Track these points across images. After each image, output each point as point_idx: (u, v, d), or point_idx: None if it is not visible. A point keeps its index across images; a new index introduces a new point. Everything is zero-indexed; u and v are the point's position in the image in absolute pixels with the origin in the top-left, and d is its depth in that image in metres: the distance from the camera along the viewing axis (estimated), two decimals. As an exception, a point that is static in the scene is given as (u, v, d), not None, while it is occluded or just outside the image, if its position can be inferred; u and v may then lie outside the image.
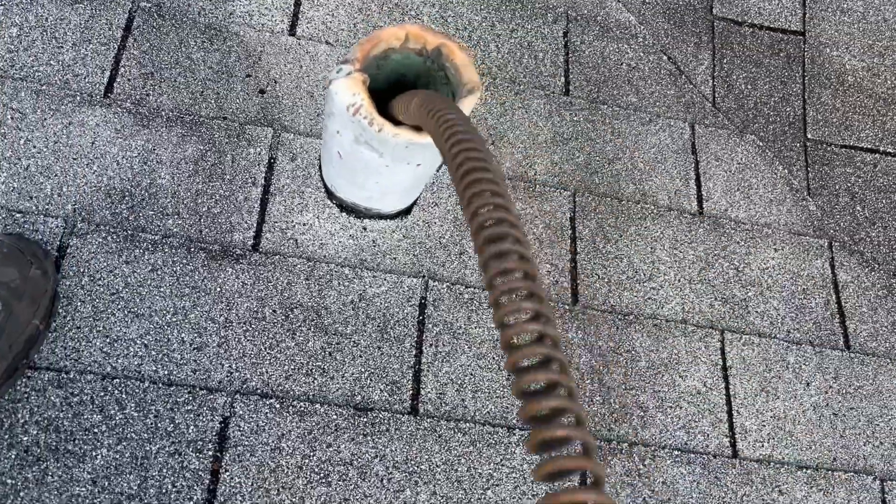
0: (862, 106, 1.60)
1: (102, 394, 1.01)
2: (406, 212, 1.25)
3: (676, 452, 1.19)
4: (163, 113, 1.21)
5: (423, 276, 1.21)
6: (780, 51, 1.63)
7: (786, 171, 1.51)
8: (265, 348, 1.09)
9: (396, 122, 0.95)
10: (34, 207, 1.09)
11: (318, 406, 1.07)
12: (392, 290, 1.19)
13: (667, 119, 1.49)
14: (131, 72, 1.23)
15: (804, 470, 1.23)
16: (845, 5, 1.68)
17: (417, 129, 0.94)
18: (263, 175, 1.21)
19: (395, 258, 1.21)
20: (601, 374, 1.22)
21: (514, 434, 1.14)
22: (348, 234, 1.21)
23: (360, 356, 1.13)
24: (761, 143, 1.53)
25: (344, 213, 1.22)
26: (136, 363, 1.04)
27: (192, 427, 1.02)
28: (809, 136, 1.56)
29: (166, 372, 1.04)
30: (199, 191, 1.17)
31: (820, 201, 1.51)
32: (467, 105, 0.94)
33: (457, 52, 0.97)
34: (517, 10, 1.50)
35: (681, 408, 1.23)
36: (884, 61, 1.64)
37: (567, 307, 1.26)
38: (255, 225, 1.17)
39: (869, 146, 1.57)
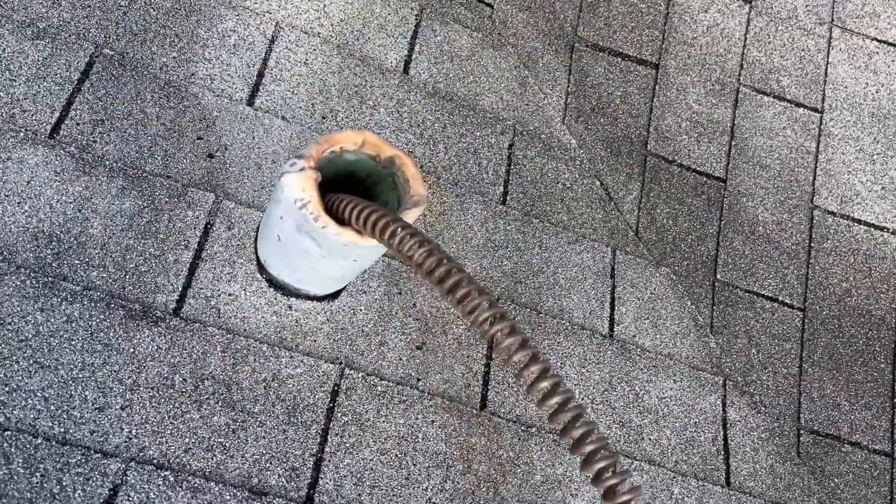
0: (768, 256, 1.74)
1: (-10, 445, 0.97)
2: (334, 295, 1.27)
3: (557, 570, 1.22)
4: (107, 162, 1.21)
5: (341, 363, 1.23)
6: (703, 193, 1.75)
7: (693, 306, 1.61)
8: (169, 417, 1.08)
9: (339, 217, 0.98)
10: (-46, 240, 1.06)
11: (213, 484, 1.06)
12: (307, 374, 1.20)
13: (591, 241, 1.58)
14: (82, 116, 1.22)
15: None
16: (765, 161, 1.83)
17: (361, 232, 0.97)
18: (198, 240, 1.22)
19: (315, 341, 1.23)
20: (497, 483, 1.25)
21: (405, 535, 1.15)
22: (273, 311, 1.22)
23: (264, 437, 1.13)
24: (674, 277, 1.63)
25: (272, 289, 1.23)
26: (32, 416, 1.01)
27: (79, 491, 0.99)
28: (719, 276, 1.68)
29: (62, 430, 1.01)
30: (129, 246, 1.17)
31: (720, 339, 1.61)
32: (412, 215, 0.99)
33: (409, 164, 1.02)
34: (469, 117, 1.57)
35: (568, 526, 1.27)
36: (791, 217, 1.79)
37: (475, 411, 1.29)
38: (180, 288, 1.17)
39: (769, 294, 1.70)
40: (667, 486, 1.38)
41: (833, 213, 1.82)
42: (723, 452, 1.47)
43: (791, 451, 1.54)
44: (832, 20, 2.00)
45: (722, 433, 1.49)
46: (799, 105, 1.90)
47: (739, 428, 1.52)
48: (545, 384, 0.73)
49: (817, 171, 1.85)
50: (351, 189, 1.05)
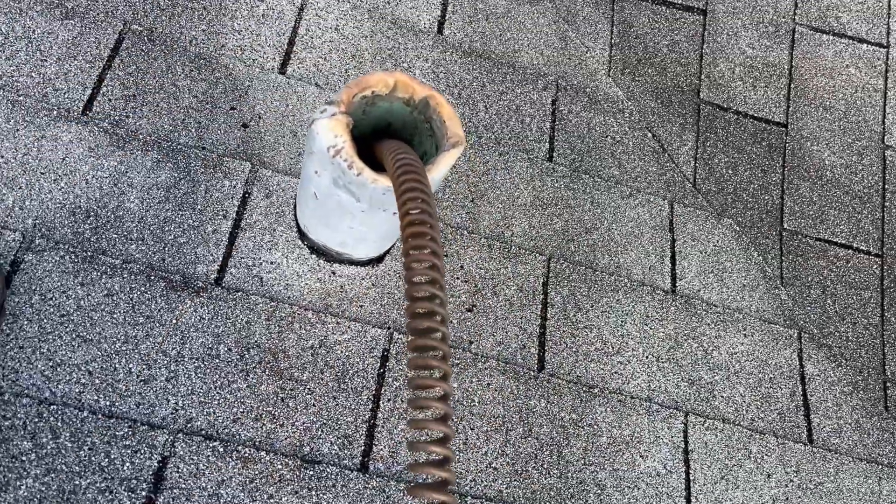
0: (838, 201, 1.62)
1: (37, 420, 0.95)
2: (378, 260, 1.23)
3: (631, 535, 1.15)
4: (140, 136, 1.19)
5: (389, 328, 1.18)
6: (763, 140, 1.65)
7: (760, 258, 1.52)
8: (215, 387, 1.05)
9: (377, 168, 0.93)
10: (-8, 218, 1.05)
11: (263, 454, 1.02)
12: (355, 339, 1.15)
13: (647, 195, 1.50)
14: (113, 92, 1.21)
15: (760, 565, 1.19)
16: (828, 103, 1.71)
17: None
18: (236, 209, 1.18)
19: (361, 306, 1.18)
20: (561, 446, 1.18)
21: (466, 501, 1.09)
22: (316, 277, 1.18)
23: (314, 405, 1.08)
24: (738, 228, 1.53)
25: (314, 255, 1.19)
26: (77, 390, 0.99)
27: (127, 464, 0.96)
28: (786, 225, 1.57)
29: (108, 403, 0.99)
30: (167, 218, 1.14)
31: (792, 291, 1.51)
32: (451, 157, 0.93)
33: (444, 104, 0.97)
34: (508, 74, 1.51)
35: (639, 489, 1.19)
36: (861, 160, 1.67)
37: (532, 373, 1.23)
38: (220, 258, 1.14)
39: (843, 241, 1.58)
40: (744, 445, 1.29)
41: (907, 153, 1.69)
42: (802, 408, 1.37)
43: (878, 405, 1.43)
44: (893, -51, 1.87)
45: (800, 388, 1.39)
46: (862, 41, 1.77)
47: (819, 382, 1.41)
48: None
49: (886, 108, 1.73)
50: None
